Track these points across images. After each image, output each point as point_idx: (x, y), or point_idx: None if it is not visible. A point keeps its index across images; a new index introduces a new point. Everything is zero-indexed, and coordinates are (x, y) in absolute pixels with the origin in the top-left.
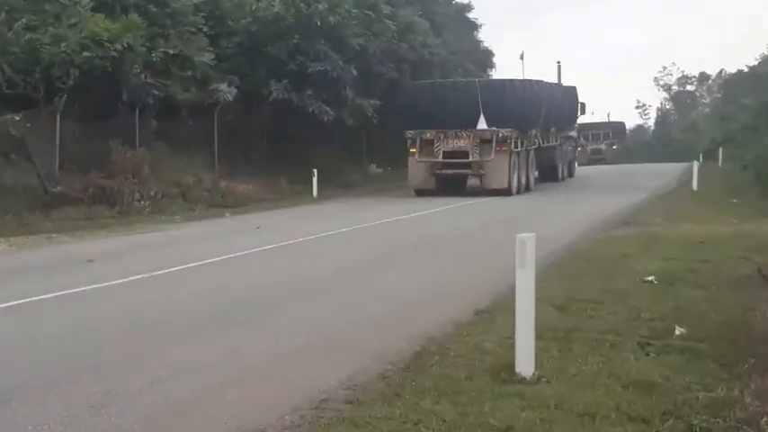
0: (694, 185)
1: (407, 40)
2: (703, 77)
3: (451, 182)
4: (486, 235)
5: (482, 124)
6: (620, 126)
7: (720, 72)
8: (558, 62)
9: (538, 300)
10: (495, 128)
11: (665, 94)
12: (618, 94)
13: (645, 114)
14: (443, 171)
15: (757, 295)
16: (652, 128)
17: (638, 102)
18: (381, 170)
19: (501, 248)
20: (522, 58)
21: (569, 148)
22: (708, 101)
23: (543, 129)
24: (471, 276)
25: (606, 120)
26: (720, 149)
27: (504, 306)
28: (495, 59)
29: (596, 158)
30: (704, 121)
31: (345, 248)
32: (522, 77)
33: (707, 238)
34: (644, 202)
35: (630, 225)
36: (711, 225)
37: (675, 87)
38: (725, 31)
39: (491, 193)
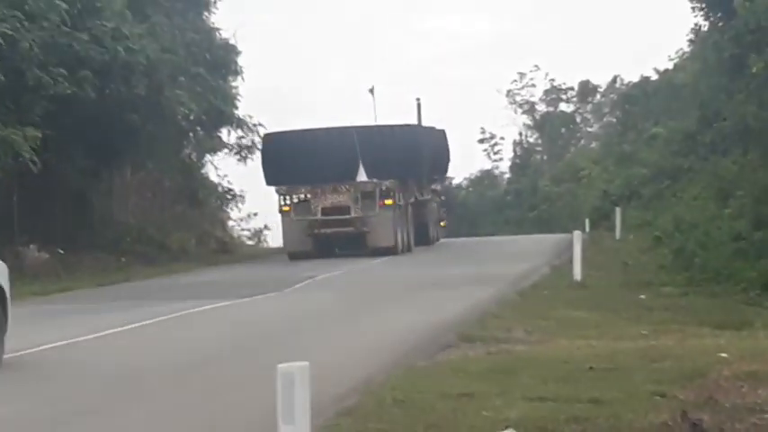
0: (577, 272)
1: (88, 28)
2: (586, 90)
3: (329, 243)
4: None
5: (362, 176)
6: (448, 191)
7: (614, 81)
8: (418, 99)
9: None
10: (376, 179)
11: (525, 118)
12: (447, 116)
13: (494, 153)
14: (322, 230)
15: None
16: (507, 175)
17: (483, 131)
18: (48, 255)
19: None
20: (371, 92)
21: (435, 204)
22: (595, 128)
23: (419, 180)
24: None
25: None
26: (618, 211)
27: None
28: (240, 60)
29: None
30: (590, 162)
31: None
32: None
33: (599, 363)
34: (495, 300)
35: (474, 342)
36: (606, 340)
37: (542, 107)
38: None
39: (376, 252)
